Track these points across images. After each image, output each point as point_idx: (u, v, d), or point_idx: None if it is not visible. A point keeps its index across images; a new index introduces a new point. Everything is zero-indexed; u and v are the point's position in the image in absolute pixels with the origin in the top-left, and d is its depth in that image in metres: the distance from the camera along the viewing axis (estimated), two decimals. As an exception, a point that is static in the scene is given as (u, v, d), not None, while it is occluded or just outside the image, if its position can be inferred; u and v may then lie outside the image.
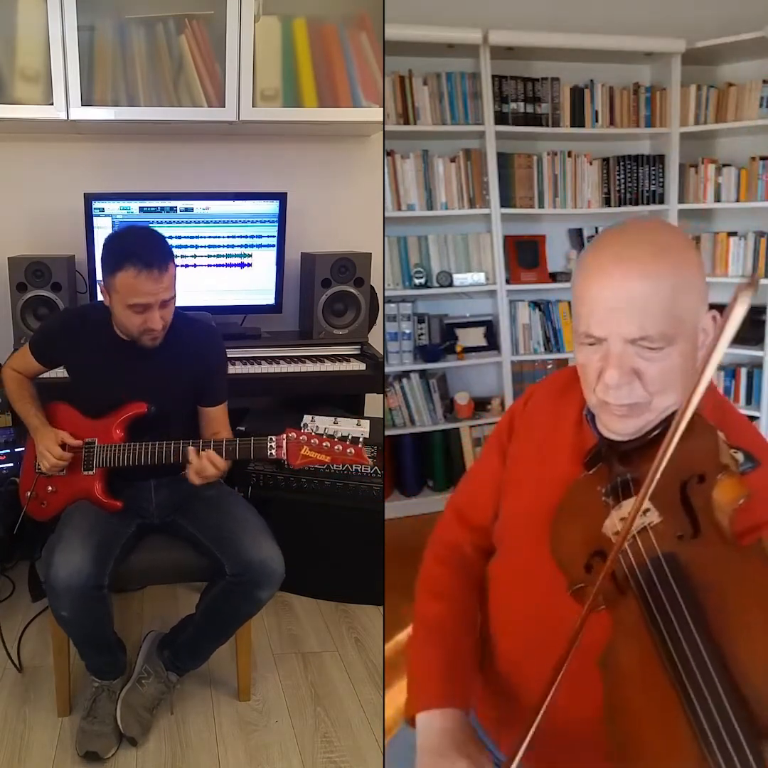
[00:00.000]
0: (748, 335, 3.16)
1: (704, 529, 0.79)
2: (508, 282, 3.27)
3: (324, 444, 1.71)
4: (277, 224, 2.64)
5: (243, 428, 2.52)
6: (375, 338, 2.75)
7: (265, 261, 2.67)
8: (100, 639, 1.83)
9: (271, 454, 1.73)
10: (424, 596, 1.17)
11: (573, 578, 0.89)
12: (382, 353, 2.71)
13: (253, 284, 2.68)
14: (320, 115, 2.52)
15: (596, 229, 3.40)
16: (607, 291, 0.87)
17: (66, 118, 2.35)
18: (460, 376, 3.42)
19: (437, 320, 3.32)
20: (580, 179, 3.25)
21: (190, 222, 2.59)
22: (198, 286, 2.62)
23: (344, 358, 2.61)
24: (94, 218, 2.52)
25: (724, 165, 3.19)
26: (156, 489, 1.94)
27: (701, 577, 0.75)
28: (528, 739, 0.79)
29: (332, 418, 2.47)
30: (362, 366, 2.57)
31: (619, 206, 3.29)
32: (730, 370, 3.30)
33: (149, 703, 1.89)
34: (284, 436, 1.73)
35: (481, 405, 3.38)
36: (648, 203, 3.31)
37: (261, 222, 2.64)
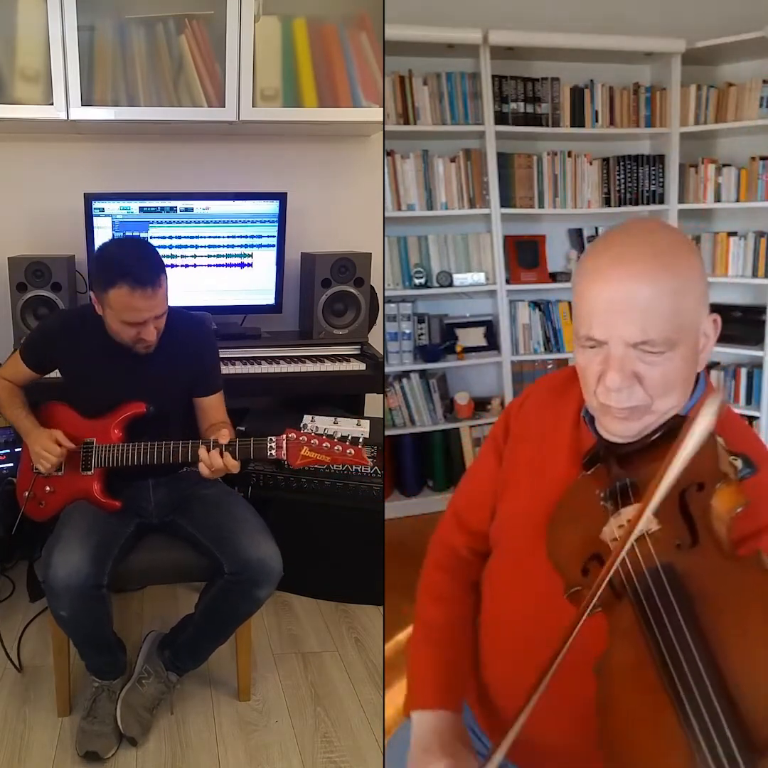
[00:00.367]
0: (748, 335, 3.17)
1: (702, 538, 0.79)
2: (508, 282, 3.26)
3: (324, 444, 1.71)
4: (277, 224, 2.64)
5: (243, 428, 2.52)
6: (375, 338, 2.75)
7: (265, 261, 2.67)
8: (99, 639, 1.83)
9: (271, 454, 1.73)
10: (423, 599, 1.20)
11: (569, 581, 0.88)
12: (382, 353, 2.71)
13: (253, 284, 2.68)
14: (320, 115, 2.52)
15: (596, 229, 3.41)
16: (608, 293, 0.87)
17: (66, 118, 2.35)
18: (460, 376, 3.42)
19: (437, 320, 3.32)
20: (580, 179, 3.24)
21: (190, 222, 2.59)
22: (198, 286, 2.62)
23: (344, 358, 2.61)
24: (94, 218, 2.52)
25: (724, 165, 3.18)
26: (154, 488, 1.94)
27: (698, 587, 0.75)
28: (511, 738, 0.79)
29: (332, 418, 2.47)
30: (362, 366, 2.57)
31: (619, 206, 3.29)
32: (730, 370, 3.30)
33: (149, 703, 1.89)
34: (284, 436, 1.73)
35: (481, 405, 3.38)
36: (648, 203, 3.31)
37: (261, 222, 2.64)
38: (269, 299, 2.71)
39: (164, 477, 1.92)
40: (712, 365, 3.34)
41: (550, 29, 2.96)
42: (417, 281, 3.20)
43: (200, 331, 1.98)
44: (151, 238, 2.55)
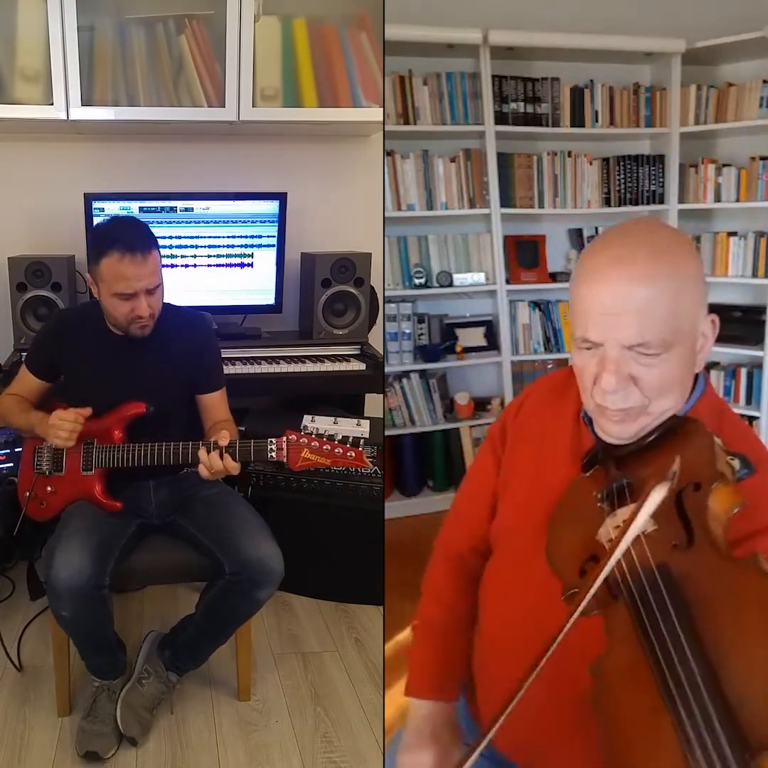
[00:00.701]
0: (748, 335, 3.17)
1: (698, 539, 0.78)
2: (508, 282, 3.27)
3: (324, 447, 1.71)
4: (277, 224, 2.64)
5: (243, 428, 2.51)
6: (375, 338, 2.75)
7: (265, 261, 2.67)
8: (100, 639, 1.83)
9: (271, 456, 1.73)
10: (425, 595, 1.24)
11: (567, 582, 0.88)
12: (382, 353, 2.71)
13: (253, 284, 2.68)
14: (320, 115, 2.52)
15: (596, 229, 3.40)
16: (604, 295, 0.86)
17: (66, 118, 2.35)
18: (460, 376, 3.42)
19: (437, 320, 3.32)
20: (580, 179, 3.24)
21: (190, 222, 2.59)
22: (198, 286, 2.62)
23: (344, 358, 2.61)
24: (94, 218, 2.51)
25: (724, 165, 3.18)
26: (155, 489, 1.94)
27: (694, 588, 0.74)
28: (493, 731, 0.79)
29: (332, 418, 2.49)
30: (362, 366, 2.57)
31: (619, 206, 3.29)
32: (730, 370, 3.30)
33: (149, 703, 1.89)
34: (284, 438, 1.72)
35: (481, 405, 3.38)
36: (648, 203, 3.31)
37: (261, 222, 2.64)
38: (269, 299, 2.71)
39: (165, 478, 1.92)
40: (712, 365, 3.34)
41: (550, 29, 2.96)
42: (417, 281, 3.20)
43: (201, 327, 1.99)
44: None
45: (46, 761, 1.80)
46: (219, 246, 2.63)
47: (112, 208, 2.52)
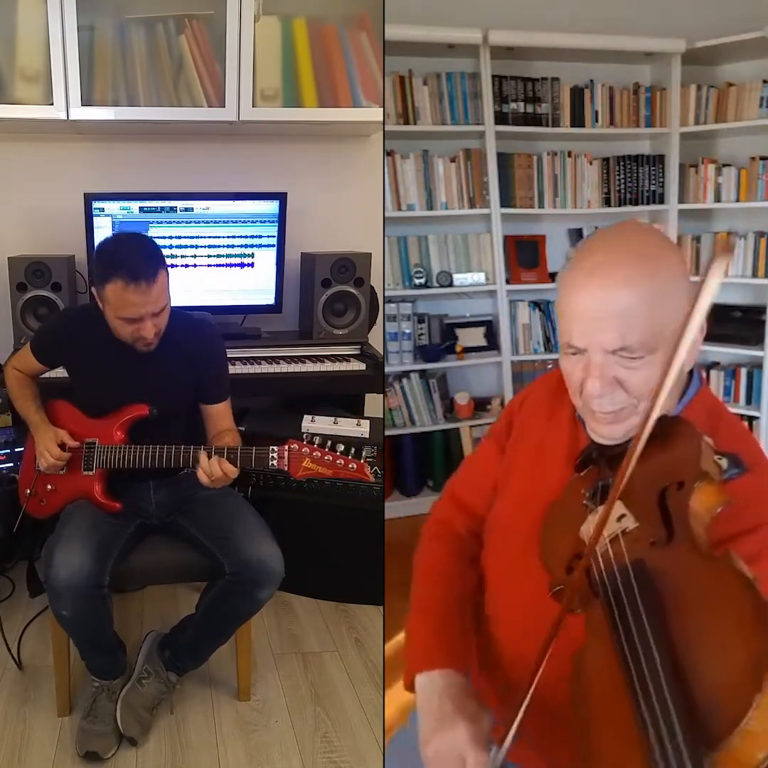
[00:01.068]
0: (748, 335, 3.17)
1: (678, 537, 0.79)
2: (508, 282, 3.27)
3: (326, 457, 1.69)
4: (277, 224, 2.64)
5: (243, 428, 2.51)
6: (375, 338, 2.75)
7: (265, 261, 2.67)
8: (100, 639, 1.83)
9: (272, 464, 1.72)
10: (422, 574, 1.19)
11: (555, 579, 0.89)
12: (382, 353, 2.71)
13: (253, 284, 2.68)
14: (320, 115, 2.52)
15: (596, 229, 3.39)
16: (586, 302, 0.88)
17: (66, 118, 2.35)
18: (460, 376, 3.42)
19: (437, 320, 3.33)
20: (580, 179, 3.25)
21: (190, 222, 2.59)
22: (198, 286, 2.62)
23: (344, 358, 2.61)
24: (94, 218, 2.52)
25: (724, 165, 3.19)
26: (155, 489, 1.94)
27: (667, 586, 0.75)
28: (511, 735, 0.79)
29: (332, 418, 2.49)
30: (362, 366, 2.57)
31: (619, 206, 3.29)
32: (730, 370, 3.30)
33: (149, 703, 1.89)
34: (286, 447, 1.71)
35: (481, 405, 3.38)
36: (648, 203, 3.31)
37: (261, 222, 2.64)
38: (269, 299, 2.71)
39: (165, 478, 1.92)
40: (712, 365, 3.34)
41: (550, 29, 2.96)
42: (417, 281, 3.20)
43: (210, 338, 1.96)
44: (151, 238, 2.56)
45: (46, 761, 1.80)
46: (219, 246, 2.63)
47: (112, 208, 2.53)
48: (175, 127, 2.58)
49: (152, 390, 1.85)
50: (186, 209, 2.58)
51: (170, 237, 2.57)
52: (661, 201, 3.30)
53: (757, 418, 3.20)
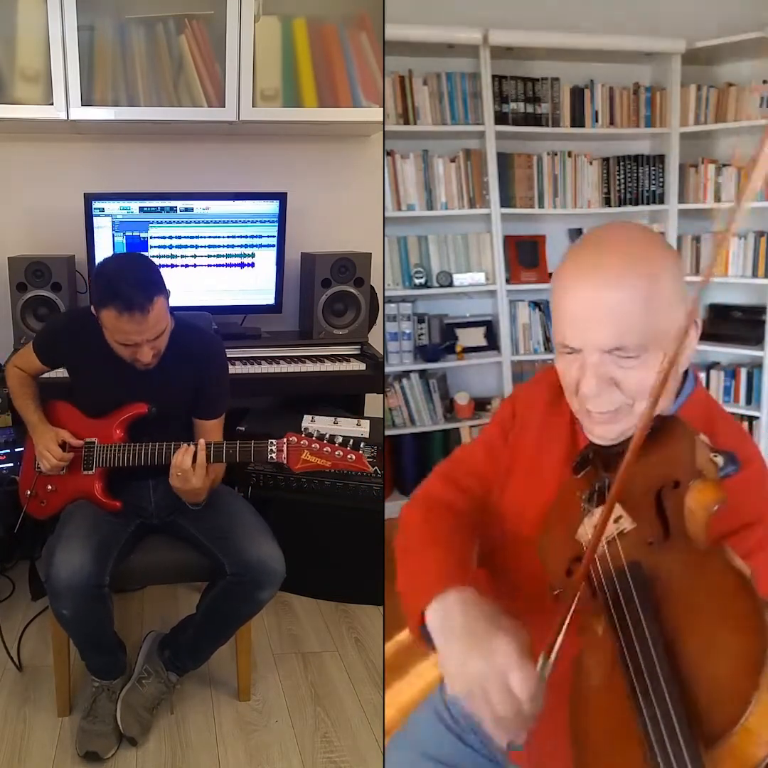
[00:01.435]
0: (748, 335, 3.17)
1: (674, 536, 0.79)
2: (508, 282, 3.27)
3: (325, 449, 1.70)
4: (277, 224, 2.64)
5: (243, 428, 2.52)
6: (375, 338, 2.75)
7: (265, 261, 2.67)
8: (100, 639, 1.83)
9: (271, 457, 1.73)
10: (411, 530, 1.08)
11: (554, 582, 0.89)
12: (382, 353, 2.71)
13: (253, 284, 2.69)
14: (320, 115, 2.52)
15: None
16: (581, 301, 0.88)
17: (66, 118, 2.35)
18: (460, 376, 3.42)
19: (437, 320, 3.32)
20: (580, 179, 3.25)
21: (190, 222, 2.60)
22: (198, 286, 2.62)
23: (344, 358, 2.61)
24: (94, 218, 2.52)
25: (724, 165, 3.18)
26: (154, 489, 1.94)
27: (665, 586, 0.75)
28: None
29: (332, 418, 2.49)
30: (362, 366, 2.57)
31: (619, 206, 3.29)
32: (730, 370, 3.30)
33: (149, 703, 1.89)
34: (285, 440, 1.72)
35: (481, 405, 3.38)
36: (648, 203, 3.31)
37: (261, 222, 2.64)
38: (269, 299, 2.71)
39: (165, 477, 1.92)
40: (712, 365, 3.34)
41: (550, 29, 2.96)
42: (417, 281, 3.20)
43: (208, 344, 1.95)
44: (151, 238, 2.56)
45: (46, 761, 1.80)
46: (219, 246, 2.63)
47: (112, 208, 2.53)
48: (175, 127, 2.58)
49: (152, 390, 1.85)
50: (186, 209, 2.58)
51: (170, 237, 2.57)
52: (661, 201, 3.30)
53: (757, 418, 3.19)
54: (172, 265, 2.57)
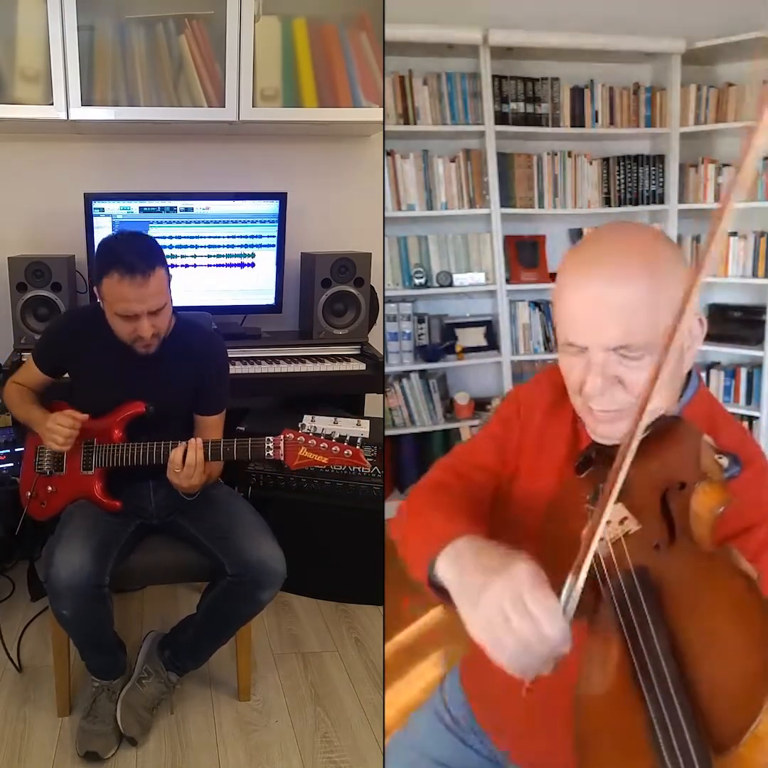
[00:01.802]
0: (748, 335, 3.17)
1: (680, 538, 0.78)
2: (508, 282, 3.27)
3: (322, 445, 1.71)
4: (277, 224, 2.64)
5: (243, 428, 2.52)
6: (375, 338, 2.75)
7: (265, 261, 2.67)
8: (100, 639, 1.83)
9: (268, 455, 1.73)
10: (409, 504, 1.05)
11: (556, 583, 0.88)
12: (382, 353, 2.71)
13: (253, 284, 2.69)
14: (320, 115, 2.52)
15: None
16: (586, 299, 0.87)
17: (66, 118, 2.35)
18: (460, 376, 3.42)
19: (437, 320, 3.32)
20: (580, 179, 3.24)
21: (190, 222, 2.60)
22: (198, 286, 2.62)
23: (344, 358, 2.61)
24: (94, 218, 2.52)
25: (724, 165, 3.18)
26: (154, 489, 1.94)
27: (672, 588, 0.74)
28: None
29: (332, 418, 2.48)
30: (362, 366, 2.57)
31: (619, 206, 3.29)
32: (730, 370, 3.30)
33: (149, 703, 1.89)
34: (282, 437, 1.72)
35: (481, 405, 3.38)
36: (648, 203, 3.31)
37: (261, 222, 2.64)
38: (269, 299, 2.71)
39: (165, 478, 1.92)
40: (712, 365, 3.34)
41: (550, 29, 2.96)
42: (417, 281, 3.20)
43: (209, 341, 1.96)
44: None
45: (46, 761, 1.80)
46: (219, 246, 2.63)
47: (112, 208, 2.53)
48: (175, 127, 2.58)
49: (152, 390, 1.85)
50: (186, 209, 2.58)
51: (170, 237, 2.57)
52: (661, 201, 3.30)
53: (757, 418, 3.19)
54: (173, 265, 2.54)
